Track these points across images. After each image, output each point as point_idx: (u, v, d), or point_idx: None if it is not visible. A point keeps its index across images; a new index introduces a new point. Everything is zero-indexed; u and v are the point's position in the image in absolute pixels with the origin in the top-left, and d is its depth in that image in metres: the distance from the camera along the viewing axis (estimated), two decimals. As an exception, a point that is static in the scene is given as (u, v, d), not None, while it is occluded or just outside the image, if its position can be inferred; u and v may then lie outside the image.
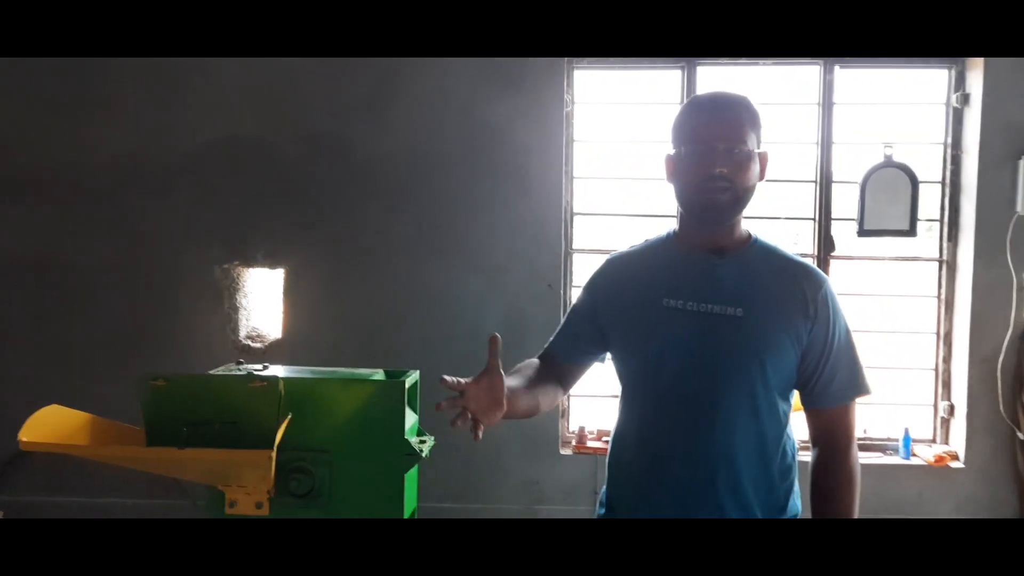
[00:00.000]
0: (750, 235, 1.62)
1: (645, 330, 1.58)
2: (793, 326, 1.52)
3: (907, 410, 3.47)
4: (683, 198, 1.57)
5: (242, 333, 3.28)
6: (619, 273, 1.68)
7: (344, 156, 3.19)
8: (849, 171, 3.35)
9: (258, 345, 3.27)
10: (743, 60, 3.26)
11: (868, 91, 3.39)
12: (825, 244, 3.36)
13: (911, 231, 3.31)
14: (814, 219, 3.37)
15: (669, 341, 1.54)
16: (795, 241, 3.46)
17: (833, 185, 3.35)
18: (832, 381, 1.55)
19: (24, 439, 1.67)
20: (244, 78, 3.16)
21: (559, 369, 1.73)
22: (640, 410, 1.63)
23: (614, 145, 3.45)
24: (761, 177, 1.58)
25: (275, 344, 3.27)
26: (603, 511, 1.72)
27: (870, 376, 1.62)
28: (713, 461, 1.52)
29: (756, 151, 1.53)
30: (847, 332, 1.58)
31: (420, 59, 3.13)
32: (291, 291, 3.25)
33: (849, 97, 3.34)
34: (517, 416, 1.53)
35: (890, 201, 3.30)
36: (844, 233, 3.40)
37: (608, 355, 1.76)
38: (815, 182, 3.35)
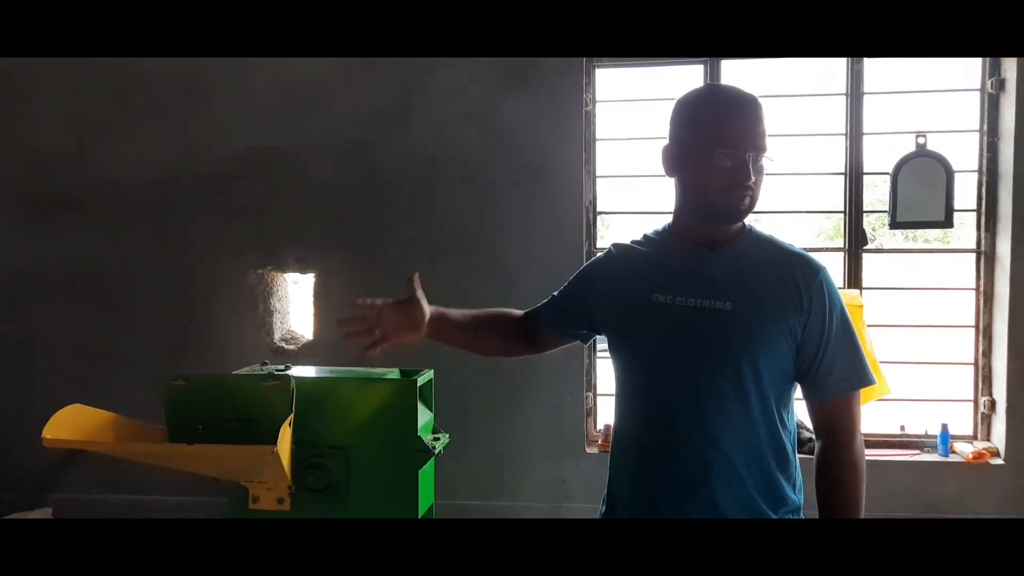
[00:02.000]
0: (743, 226, 1.60)
1: (635, 325, 1.59)
2: (785, 319, 1.50)
3: (945, 406, 3.37)
4: (698, 198, 1.54)
5: (276, 336, 3.39)
6: (617, 265, 1.69)
7: (368, 163, 3.27)
8: (880, 162, 3.28)
9: (291, 347, 3.38)
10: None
11: (898, 79, 3.31)
12: (856, 238, 3.29)
13: (947, 222, 3.22)
14: (844, 212, 3.31)
15: (658, 336, 1.55)
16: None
17: (864, 177, 3.29)
18: (831, 373, 1.52)
19: (47, 436, 1.78)
20: (273, 92, 3.27)
21: (538, 331, 1.80)
22: (633, 406, 1.64)
23: (637, 143, 3.45)
24: None
25: (307, 346, 3.37)
26: (604, 508, 1.73)
27: (880, 372, 1.59)
28: (705, 456, 1.52)
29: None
30: (845, 322, 1.54)
31: (440, 66, 3.19)
32: (321, 295, 3.34)
33: (878, 85, 3.27)
34: (446, 343, 1.76)
35: (924, 191, 3.21)
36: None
37: (593, 337, 1.80)
38: (844, 174, 3.28)
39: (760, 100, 1.53)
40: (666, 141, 1.59)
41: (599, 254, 1.79)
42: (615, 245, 1.73)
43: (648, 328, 1.57)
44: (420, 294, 1.68)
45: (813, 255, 1.60)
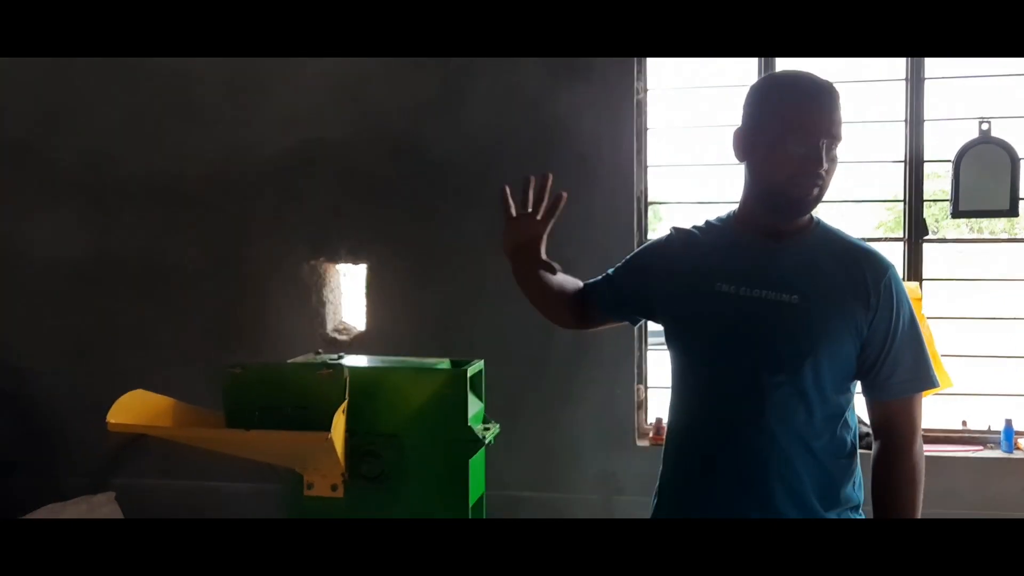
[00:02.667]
0: (811, 219, 1.56)
1: (697, 314, 1.57)
2: (852, 315, 1.47)
3: (1010, 401, 3.27)
4: (767, 185, 1.51)
5: (329, 326, 3.44)
6: (677, 250, 1.65)
7: (419, 155, 3.29)
8: (942, 149, 3.18)
9: (344, 337, 3.42)
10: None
11: (960, 63, 3.21)
12: (917, 228, 3.20)
13: (1012, 211, 3.11)
14: (904, 201, 3.22)
15: (720, 327, 1.52)
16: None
17: (924, 165, 3.20)
18: (894, 373, 1.49)
19: (111, 421, 1.84)
20: (324, 85, 3.31)
21: (589, 308, 1.77)
22: (690, 398, 1.62)
23: (690, 131, 3.41)
24: None
25: (359, 336, 3.41)
26: (656, 501, 1.72)
27: (942, 369, 1.55)
28: (763, 452, 1.49)
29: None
30: (912, 322, 1.51)
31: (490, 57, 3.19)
32: (373, 286, 3.38)
33: (940, 71, 3.18)
34: (525, 279, 1.74)
35: (988, 179, 3.11)
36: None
37: (642, 321, 1.77)
38: (904, 162, 3.20)
39: (837, 88, 1.48)
40: (737, 125, 1.55)
41: (657, 237, 1.76)
42: (675, 229, 1.69)
43: (710, 318, 1.54)
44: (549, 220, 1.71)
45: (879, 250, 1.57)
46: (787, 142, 1.44)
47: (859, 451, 1.60)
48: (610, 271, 1.79)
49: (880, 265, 1.50)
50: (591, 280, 1.79)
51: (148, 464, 3.44)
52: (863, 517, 1.58)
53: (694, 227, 1.67)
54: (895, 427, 1.52)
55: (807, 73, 1.52)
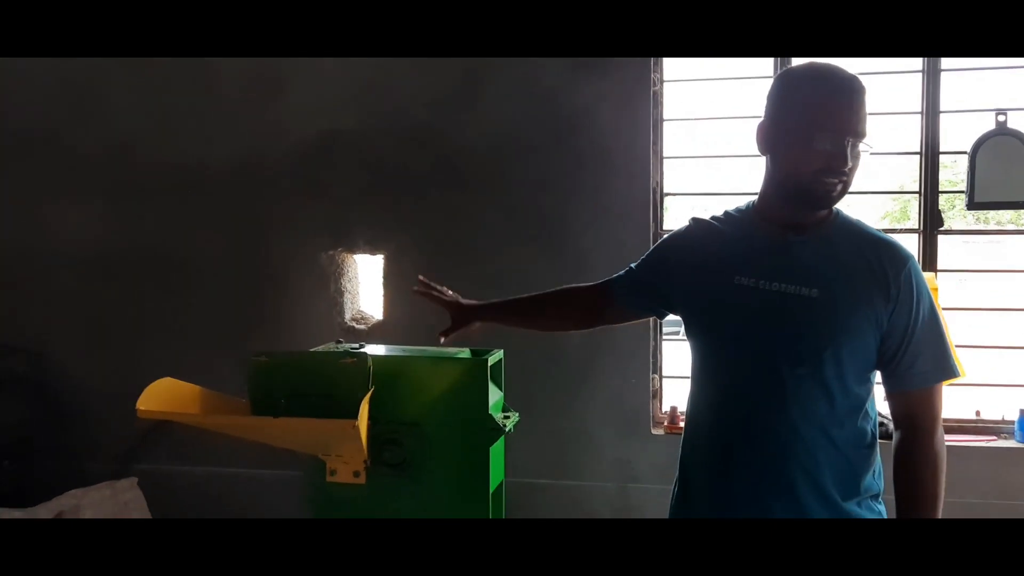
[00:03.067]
0: (831, 210, 1.57)
1: (716, 307, 1.58)
2: (873, 308, 1.48)
3: (1023, 391, 3.28)
4: (790, 180, 1.51)
5: (347, 315, 3.48)
6: (697, 241, 1.67)
7: (436, 147, 3.32)
8: (957, 140, 3.19)
9: (362, 327, 3.46)
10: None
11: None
12: (931, 219, 3.21)
13: (1029, 202, 3.12)
14: (919, 192, 3.23)
15: (739, 320, 1.54)
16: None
17: (940, 156, 3.20)
18: (915, 363, 1.50)
19: (141, 407, 1.88)
20: (342, 77, 3.34)
21: (611, 305, 1.81)
22: (710, 389, 1.63)
23: (706, 123, 3.42)
24: None
25: (378, 325, 3.45)
26: (676, 490, 1.74)
27: (958, 359, 1.56)
28: (784, 443, 1.51)
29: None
30: (932, 312, 1.52)
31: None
32: (391, 276, 3.42)
33: (956, 62, 3.18)
34: (507, 326, 2.00)
35: (1004, 171, 3.11)
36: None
37: (668, 315, 1.80)
38: (920, 153, 3.20)
39: (863, 84, 1.48)
40: (761, 118, 1.56)
41: (678, 227, 1.77)
42: (695, 220, 1.71)
43: (729, 311, 1.55)
44: (449, 295, 2.03)
45: (903, 245, 1.57)
46: (814, 138, 1.45)
47: (879, 441, 1.63)
48: (632, 266, 1.81)
49: (900, 256, 1.51)
50: (612, 276, 1.82)
51: (170, 450, 3.50)
52: (883, 505, 1.61)
53: (713, 218, 1.68)
54: (916, 417, 1.53)
55: (835, 67, 1.51)
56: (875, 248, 1.52)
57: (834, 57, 2.07)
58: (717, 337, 1.60)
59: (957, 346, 2.99)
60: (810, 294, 1.49)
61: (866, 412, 1.56)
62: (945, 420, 3.12)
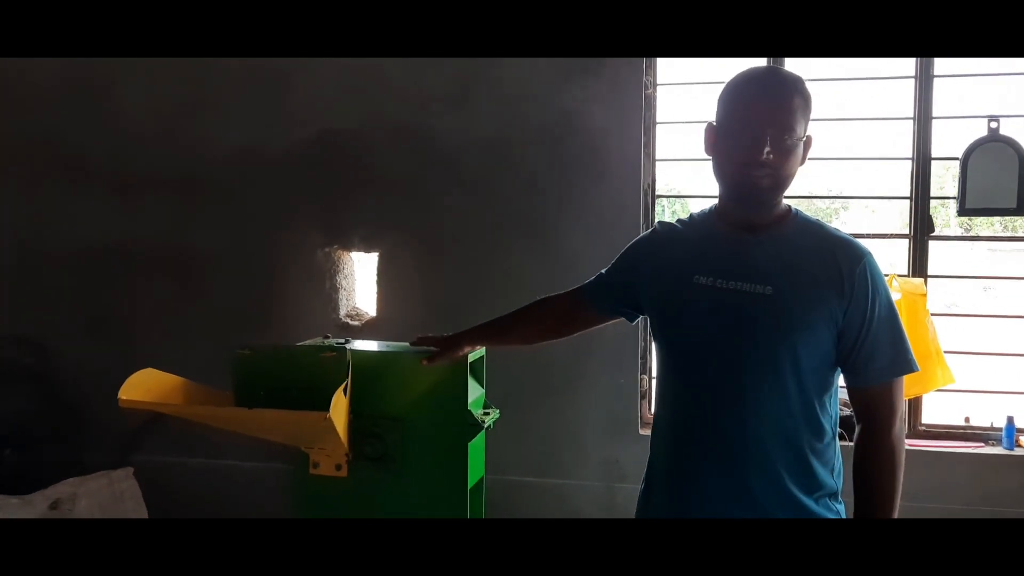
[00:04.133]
0: (790, 210, 1.62)
1: (675, 306, 1.63)
2: (826, 304, 1.51)
3: (1011, 398, 3.28)
4: (722, 175, 1.58)
5: (342, 312, 3.53)
6: (661, 244, 1.72)
7: (430, 147, 3.36)
8: (949, 147, 3.19)
9: (356, 323, 3.51)
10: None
11: (970, 61, 3.21)
12: (922, 224, 3.22)
13: (1020, 209, 3.11)
14: (910, 198, 3.24)
15: (697, 318, 1.58)
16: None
17: (932, 162, 3.20)
18: (871, 359, 1.53)
19: (123, 397, 1.93)
20: (339, 78, 3.39)
21: (583, 310, 1.90)
22: (671, 386, 1.68)
23: (699, 126, 3.43)
24: (802, 162, 1.58)
25: (371, 322, 3.50)
26: (643, 486, 1.79)
27: (912, 355, 1.56)
28: (739, 439, 1.55)
29: (803, 138, 1.53)
30: (890, 308, 1.55)
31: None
32: (384, 274, 3.46)
33: (949, 68, 3.18)
34: (489, 347, 2.28)
35: (995, 178, 3.11)
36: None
37: (639, 317, 1.85)
38: (912, 159, 3.21)
39: (798, 82, 1.52)
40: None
41: (644, 232, 1.83)
42: (660, 223, 1.78)
43: (688, 309, 1.60)
44: (433, 336, 2.18)
45: (861, 240, 1.60)
46: (733, 131, 1.51)
47: (839, 439, 1.66)
48: (602, 271, 1.87)
49: (855, 253, 1.53)
50: (585, 282, 1.87)
51: (165, 443, 3.56)
52: (842, 505, 1.63)
53: (679, 221, 1.73)
54: (874, 412, 1.56)
55: (770, 67, 1.59)
56: (831, 246, 1.55)
57: (826, 57, 2.08)
58: (676, 336, 1.64)
59: (947, 352, 3.02)
60: (764, 291, 1.53)
61: (824, 409, 1.58)
62: (933, 426, 3.19)
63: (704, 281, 1.58)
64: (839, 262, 1.52)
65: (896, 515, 1.53)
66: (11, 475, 3.35)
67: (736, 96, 1.55)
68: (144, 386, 1.99)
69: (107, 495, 3.20)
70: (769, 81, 1.54)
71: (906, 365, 1.56)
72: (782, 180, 1.53)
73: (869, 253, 1.55)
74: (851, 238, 1.59)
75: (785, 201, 1.64)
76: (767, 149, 1.48)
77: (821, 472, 1.59)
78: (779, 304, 1.52)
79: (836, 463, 1.63)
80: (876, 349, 1.53)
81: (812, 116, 1.55)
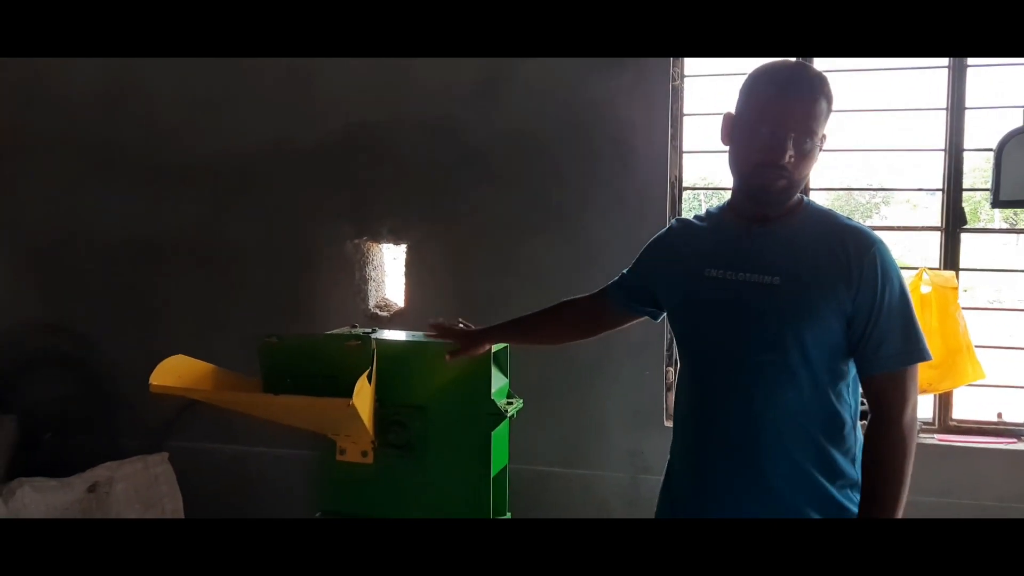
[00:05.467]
0: (801, 201, 1.61)
1: (689, 299, 1.65)
2: (834, 292, 1.51)
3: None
4: (739, 172, 1.58)
5: (371, 302, 3.58)
6: (677, 240, 1.75)
7: (459, 139, 3.38)
8: (983, 138, 3.13)
9: (384, 314, 3.55)
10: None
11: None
12: (954, 217, 3.17)
13: (1057, 201, 3.06)
14: (943, 190, 3.19)
15: (709, 310, 1.60)
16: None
17: (965, 153, 3.15)
18: (881, 346, 1.52)
19: (154, 383, 1.99)
20: (367, 70, 3.41)
21: (606, 310, 1.91)
22: (688, 378, 1.70)
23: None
24: (815, 159, 1.57)
25: (399, 313, 3.54)
26: (664, 478, 1.81)
27: (925, 343, 1.53)
28: (752, 429, 1.56)
29: (821, 139, 1.52)
30: (902, 296, 1.53)
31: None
32: (413, 265, 3.50)
33: (983, 57, 3.12)
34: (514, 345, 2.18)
35: (1031, 169, 3.06)
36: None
37: (663, 314, 1.86)
38: (944, 150, 3.16)
39: (823, 83, 1.50)
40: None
41: (662, 230, 1.84)
42: (677, 220, 1.80)
43: (701, 302, 1.62)
44: (459, 328, 2.13)
45: (879, 232, 1.59)
46: (756, 131, 1.50)
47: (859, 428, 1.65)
48: (624, 271, 1.89)
49: (864, 241, 1.53)
50: (608, 283, 1.89)
51: (199, 429, 3.64)
52: (858, 496, 1.62)
53: (695, 217, 1.75)
54: (885, 400, 1.54)
55: (797, 64, 1.56)
56: (839, 234, 1.54)
57: (856, 57, 2.03)
58: (690, 327, 1.66)
59: (979, 347, 2.98)
60: (772, 282, 1.53)
61: (842, 398, 1.58)
62: (965, 421, 3.15)
63: (715, 274, 1.60)
64: (848, 250, 1.52)
65: (902, 504, 1.51)
66: (51, 459, 3.45)
67: (759, 91, 1.54)
68: (175, 372, 2.05)
69: (142, 479, 3.29)
70: (794, 81, 1.51)
71: (917, 354, 1.53)
72: (797, 182, 1.53)
73: (880, 241, 1.55)
74: (862, 226, 1.58)
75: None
76: (789, 153, 1.47)
77: (841, 460, 1.59)
78: (786, 294, 1.52)
79: (855, 452, 1.62)
80: (886, 337, 1.52)
81: (844, 108, 1.52)
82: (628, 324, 1.96)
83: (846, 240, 1.53)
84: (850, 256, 1.51)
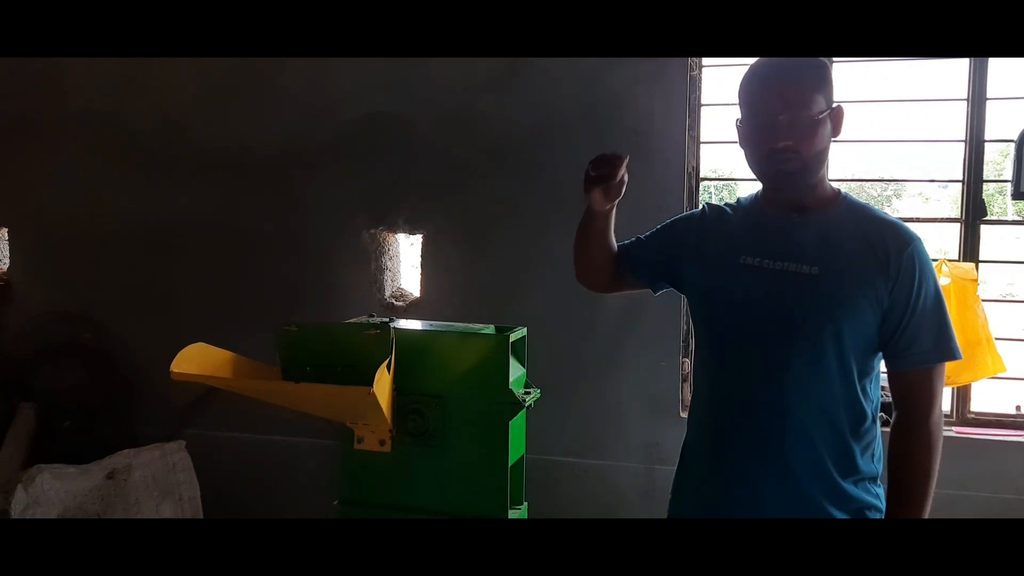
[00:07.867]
0: (838, 193, 1.62)
1: (722, 286, 1.64)
2: (872, 286, 1.51)
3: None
4: (754, 168, 1.59)
5: (387, 292, 3.58)
6: (709, 226, 1.73)
7: (474, 130, 3.38)
8: (1004, 128, 3.11)
9: (400, 303, 3.56)
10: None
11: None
12: (974, 208, 3.14)
13: (1079, 193, 3.03)
14: (962, 181, 3.16)
15: (743, 297, 1.59)
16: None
17: (985, 145, 3.12)
18: (913, 343, 1.52)
19: (174, 370, 2.00)
20: (384, 61, 3.41)
21: (619, 269, 1.84)
22: (712, 363, 1.69)
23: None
24: (836, 134, 1.57)
25: (415, 303, 3.54)
26: (678, 466, 1.80)
27: (956, 343, 1.54)
28: (779, 418, 1.55)
29: (825, 112, 1.51)
30: (936, 295, 1.54)
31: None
32: (429, 255, 3.50)
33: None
34: (588, 228, 1.83)
35: (1053, 160, 3.03)
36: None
37: (664, 291, 1.83)
38: (964, 141, 3.13)
39: (802, 61, 1.52)
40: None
41: (692, 211, 1.83)
42: (708, 205, 1.78)
43: (734, 290, 1.60)
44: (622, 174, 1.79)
45: (910, 225, 1.59)
46: (753, 126, 1.53)
47: (880, 424, 1.65)
48: (642, 236, 1.85)
49: (903, 237, 1.53)
50: (623, 243, 1.86)
51: (216, 417, 3.67)
52: (881, 488, 1.62)
53: (727, 205, 1.74)
54: (913, 397, 1.55)
55: (776, 58, 1.56)
56: (879, 228, 1.55)
57: (877, 57, 1.99)
58: (722, 315, 1.65)
59: (999, 339, 2.96)
60: (811, 272, 1.53)
61: (866, 393, 1.58)
62: (983, 414, 3.14)
63: (750, 261, 1.59)
64: (887, 244, 1.52)
65: (929, 500, 1.52)
66: (70, 446, 3.48)
67: (746, 89, 1.57)
68: (195, 360, 2.07)
69: (160, 466, 3.31)
70: (774, 66, 1.55)
71: (948, 352, 1.54)
72: (810, 159, 1.52)
73: (918, 238, 1.55)
74: (900, 222, 1.59)
75: (834, 184, 1.64)
76: (783, 135, 1.48)
77: (860, 456, 1.58)
78: (825, 284, 1.52)
79: (876, 448, 1.62)
80: (919, 334, 1.52)
81: (860, 100, 1.52)
82: (626, 292, 1.93)
83: (885, 235, 1.53)
84: (889, 251, 1.51)
